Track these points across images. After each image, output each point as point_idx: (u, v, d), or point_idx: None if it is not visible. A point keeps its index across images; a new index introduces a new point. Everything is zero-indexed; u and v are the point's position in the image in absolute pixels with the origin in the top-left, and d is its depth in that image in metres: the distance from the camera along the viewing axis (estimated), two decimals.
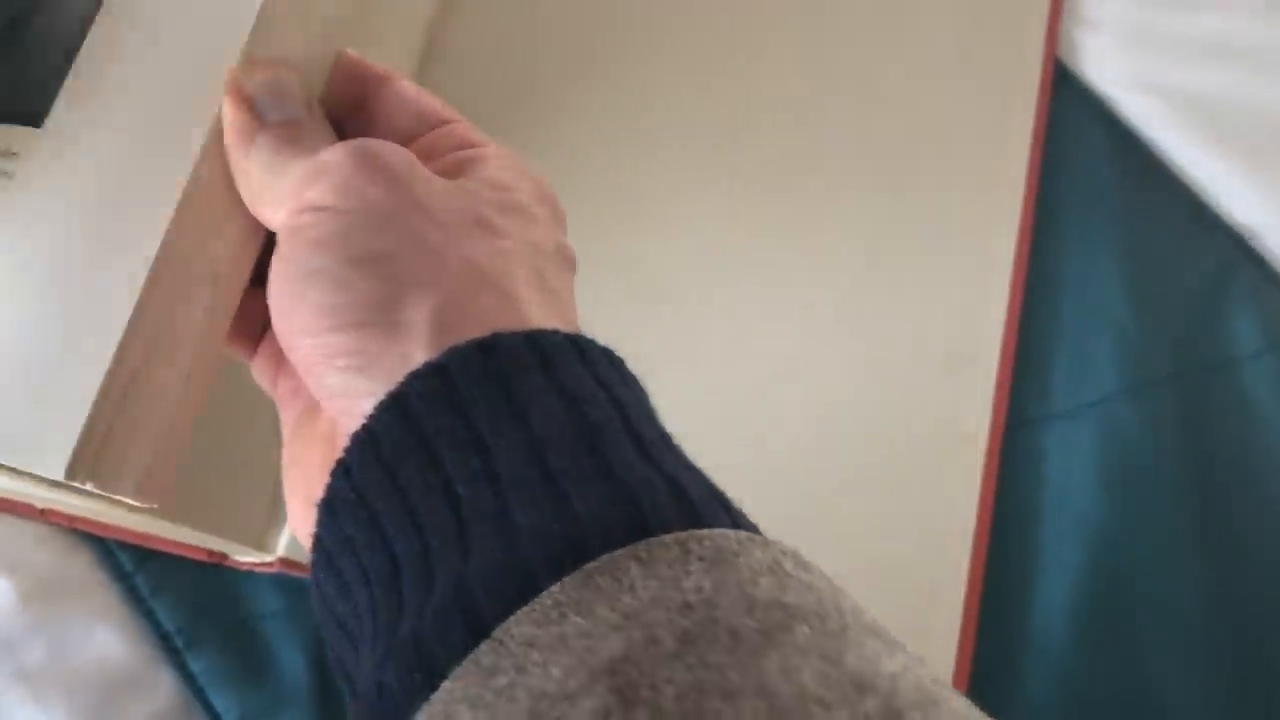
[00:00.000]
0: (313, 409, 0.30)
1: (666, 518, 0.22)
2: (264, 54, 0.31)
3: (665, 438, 0.25)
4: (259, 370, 0.33)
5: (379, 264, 0.26)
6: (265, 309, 0.32)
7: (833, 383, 0.48)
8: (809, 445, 0.47)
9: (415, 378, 0.24)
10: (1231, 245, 0.52)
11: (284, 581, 0.45)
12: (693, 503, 0.23)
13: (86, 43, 0.30)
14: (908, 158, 0.51)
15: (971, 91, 0.53)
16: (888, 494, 0.47)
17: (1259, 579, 0.47)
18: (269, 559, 0.44)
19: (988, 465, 0.47)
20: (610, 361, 0.26)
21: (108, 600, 0.45)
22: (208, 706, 0.44)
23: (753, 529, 0.24)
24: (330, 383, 0.26)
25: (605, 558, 0.21)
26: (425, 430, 0.24)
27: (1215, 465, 0.48)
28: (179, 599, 0.45)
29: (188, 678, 0.44)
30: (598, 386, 0.25)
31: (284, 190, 0.28)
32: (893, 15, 0.54)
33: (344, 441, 0.25)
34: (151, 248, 0.29)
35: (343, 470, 0.25)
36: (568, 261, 0.30)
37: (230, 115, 0.29)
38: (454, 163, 0.29)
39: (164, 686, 0.44)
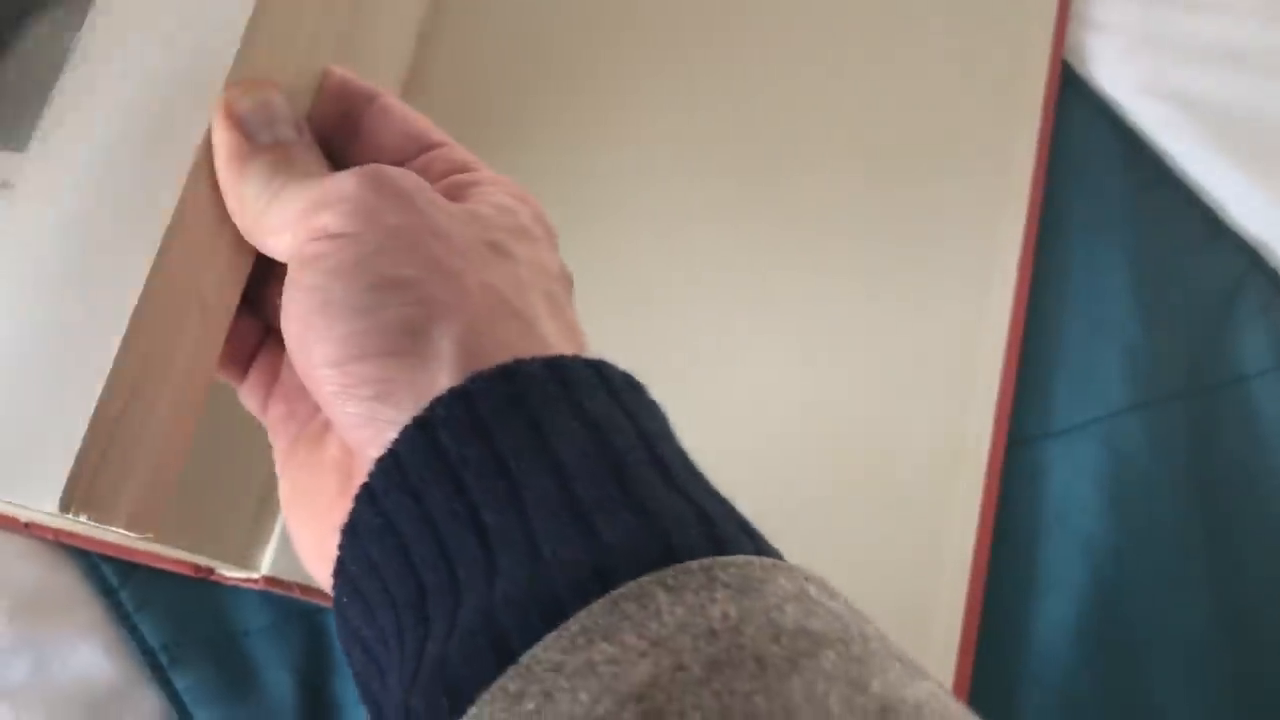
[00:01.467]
0: (312, 436, 0.30)
1: (692, 545, 0.22)
2: (250, 74, 0.30)
3: (688, 464, 0.26)
4: (248, 395, 0.32)
5: (402, 290, 0.26)
6: (254, 334, 0.32)
7: (831, 397, 0.47)
8: (807, 461, 0.47)
9: (440, 404, 0.24)
10: (1242, 257, 0.51)
11: (270, 598, 0.45)
12: (717, 529, 0.23)
13: (69, 64, 0.30)
14: (910, 164, 0.50)
15: (976, 95, 0.51)
16: (887, 510, 0.46)
17: (1263, 599, 0.46)
18: (254, 575, 0.43)
19: (989, 482, 0.46)
20: (631, 387, 0.26)
21: (92, 616, 0.44)
22: None
23: (776, 555, 0.24)
24: (353, 411, 0.26)
25: (632, 584, 0.21)
26: (451, 457, 0.24)
27: (1221, 484, 0.47)
28: (164, 615, 0.45)
29: (172, 695, 0.44)
30: (621, 413, 0.25)
31: (286, 216, 0.28)
32: (895, 17, 0.53)
33: (366, 467, 0.25)
34: (140, 276, 0.28)
35: (367, 495, 0.25)
36: (569, 283, 0.30)
37: (222, 137, 0.29)
38: (451, 186, 0.29)
39: (148, 704, 0.44)
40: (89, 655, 0.44)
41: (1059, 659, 0.45)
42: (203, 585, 0.45)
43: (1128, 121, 0.52)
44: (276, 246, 0.28)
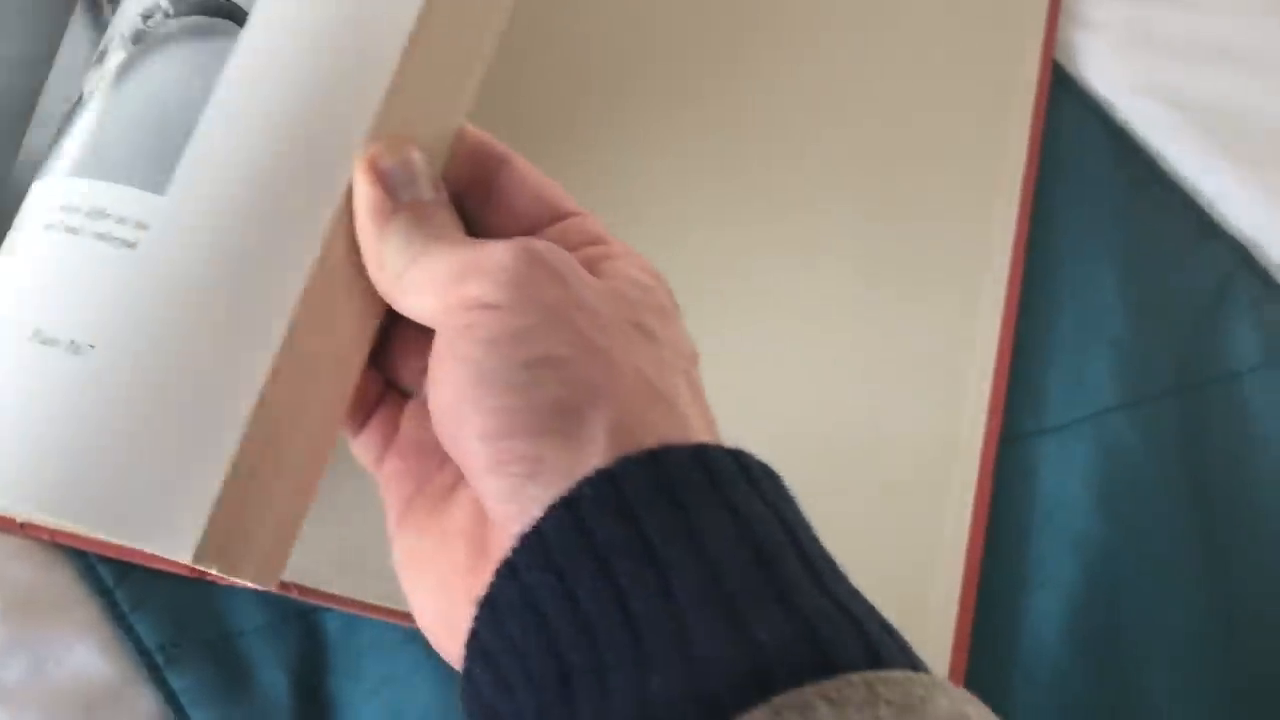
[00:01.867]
0: (432, 497, 0.30)
1: (849, 654, 0.22)
2: (392, 130, 0.30)
3: (828, 558, 0.26)
4: (363, 447, 0.32)
5: (556, 368, 0.26)
6: (376, 388, 0.32)
7: (824, 394, 0.47)
8: (798, 458, 0.46)
9: (587, 484, 0.25)
10: (1232, 255, 0.51)
11: (266, 597, 0.45)
12: (871, 638, 0.23)
13: (209, 107, 0.29)
14: (901, 164, 0.51)
15: (967, 95, 0.52)
16: (879, 507, 0.46)
17: (1255, 595, 0.47)
18: None
19: (981, 479, 0.46)
20: (769, 476, 0.26)
21: (88, 616, 0.45)
22: None
23: (923, 664, 0.24)
24: (499, 486, 0.26)
25: (793, 694, 0.21)
26: (596, 538, 0.24)
27: (1213, 480, 0.48)
28: (160, 615, 0.45)
29: (168, 695, 0.44)
30: (765, 506, 0.25)
31: (430, 279, 0.28)
32: (886, 16, 0.53)
33: (506, 541, 0.25)
34: (279, 328, 0.28)
35: (509, 570, 0.25)
36: (698, 361, 0.30)
37: (364, 193, 0.29)
38: (587, 260, 0.29)
39: (144, 704, 0.44)
40: (85, 655, 0.44)
41: (1051, 655, 0.46)
42: (199, 585, 0.45)
43: (1118, 120, 0.53)
44: (415, 307, 0.28)
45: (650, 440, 0.25)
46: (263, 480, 0.28)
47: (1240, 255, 0.51)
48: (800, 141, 0.51)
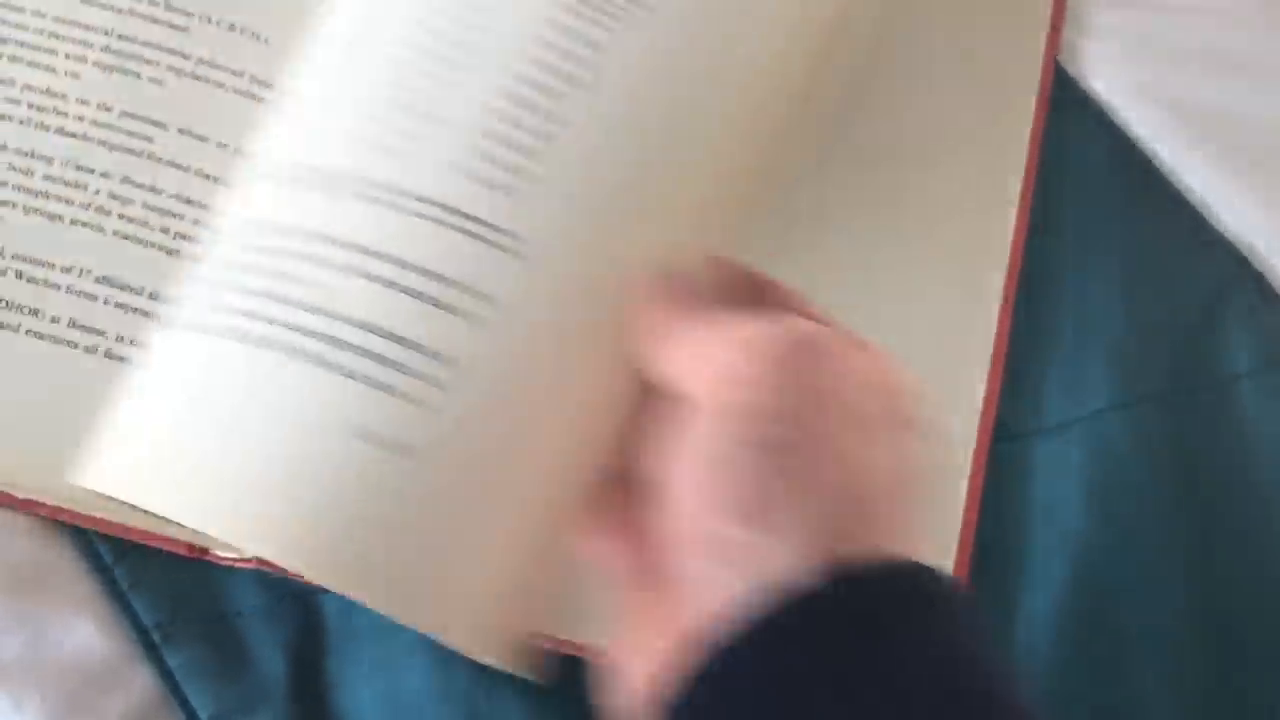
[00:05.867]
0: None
1: None
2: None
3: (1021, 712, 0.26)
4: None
5: (790, 456, 0.26)
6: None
7: None
8: None
9: (789, 606, 0.24)
10: (1231, 262, 0.51)
11: (264, 579, 0.45)
12: None
13: None
14: (900, 164, 0.51)
15: (968, 97, 0.52)
16: None
17: (1246, 598, 0.47)
18: (248, 555, 0.44)
19: (973, 479, 0.47)
20: (968, 607, 0.26)
21: (86, 593, 0.45)
22: (184, 702, 0.44)
23: None
24: (697, 566, 0.26)
25: None
26: (787, 667, 0.24)
27: (1206, 484, 0.48)
28: (158, 593, 0.45)
29: (165, 673, 0.44)
30: (966, 646, 0.25)
31: (705, 354, 0.28)
32: (890, 15, 0.53)
33: (696, 621, 0.25)
34: (586, 455, 0.31)
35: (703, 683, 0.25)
36: (921, 480, 0.30)
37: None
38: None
39: (140, 681, 0.44)
40: (83, 632, 0.44)
41: (1042, 655, 0.46)
42: (197, 565, 0.45)
43: (1120, 125, 0.53)
44: (673, 372, 0.29)
45: (862, 552, 0.25)
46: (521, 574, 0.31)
47: (1238, 261, 0.51)
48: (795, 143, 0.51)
